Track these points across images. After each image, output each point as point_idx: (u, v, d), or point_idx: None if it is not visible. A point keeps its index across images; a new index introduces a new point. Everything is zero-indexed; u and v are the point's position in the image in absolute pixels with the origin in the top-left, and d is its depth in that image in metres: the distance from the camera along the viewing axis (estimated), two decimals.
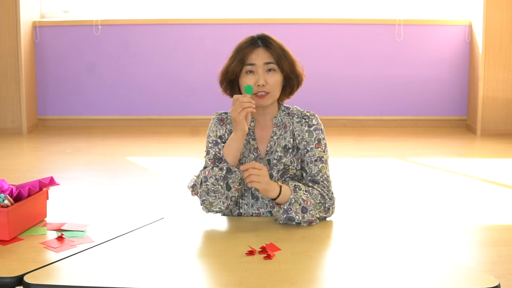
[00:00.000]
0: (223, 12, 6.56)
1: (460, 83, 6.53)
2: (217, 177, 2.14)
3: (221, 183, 2.15)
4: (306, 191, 2.17)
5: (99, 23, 6.45)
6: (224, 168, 2.15)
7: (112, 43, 6.51)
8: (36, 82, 6.56)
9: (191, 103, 6.56)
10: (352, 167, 5.21)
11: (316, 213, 2.16)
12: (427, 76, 6.51)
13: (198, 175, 2.23)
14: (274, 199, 2.14)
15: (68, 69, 6.56)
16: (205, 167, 2.24)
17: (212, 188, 2.15)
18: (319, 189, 2.21)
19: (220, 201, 2.16)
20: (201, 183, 2.18)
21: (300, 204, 2.13)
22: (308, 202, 2.15)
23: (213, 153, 2.22)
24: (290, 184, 2.17)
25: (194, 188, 2.23)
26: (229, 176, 2.15)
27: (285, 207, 2.13)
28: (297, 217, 2.12)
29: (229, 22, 6.45)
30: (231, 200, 2.18)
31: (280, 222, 2.15)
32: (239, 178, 2.16)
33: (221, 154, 2.16)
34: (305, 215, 2.13)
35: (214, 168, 2.16)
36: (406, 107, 6.58)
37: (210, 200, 2.17)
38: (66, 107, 6.63)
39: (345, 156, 5.40)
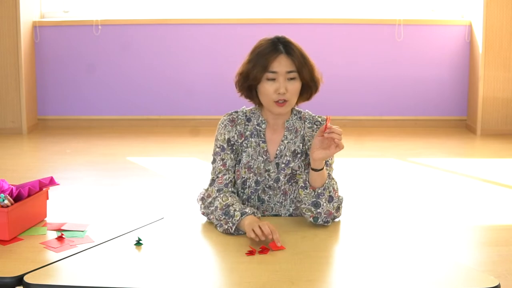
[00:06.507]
0: (223, 12, 6.55)
1: (460, 83, 6.53)
2: (227, 228, 2.13)
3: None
4: (335, 182, 2.20)
5: (99, 23, 6.45)
6: (233, 229, 2.11)
7: (112, 43, 6.51)
8: (36, 82, 6.56)
9: (191, 103, 6.55)
10: (352, 167, 5.20)
11: (335, 207, 2.17)
12: (427, 76, 6.51)
13: (207, 193, 2.24)
14: (316, 170, 2.13)
15: (68, 69, 6.56)
16: (212, 180, 2.25)
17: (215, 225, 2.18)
18: None
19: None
20: (210, 210, 2.20)
21: (330, 192, 2.16)
22: (336, 193, 2.18)
23: (219, 168, 2.23)
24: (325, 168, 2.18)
25: (203, 202, 2.24)
26: (229, 233, 2.13)
27: (319, 191, 2.14)
28: (323, 204, 2.14)
29: (229, 22, 6.44)
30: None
31: (303, 206, 2.15)
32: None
33: (233, 214, 2.11)
34: (329, 205, 2.15)
35: (223, 225, 2.13)
36: (406, 107, 6.58)
37: (218, 228, 2.17)
38: (66, 107, 6.63)
39: (345, 156, 5.39)
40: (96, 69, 6.54)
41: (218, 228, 2.14)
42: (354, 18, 6.46)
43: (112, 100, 6.60)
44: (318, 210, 2.14)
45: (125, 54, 6.52)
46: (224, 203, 2.16)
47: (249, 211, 2.12)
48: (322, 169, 2.13)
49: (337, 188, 2.20)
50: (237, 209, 2.12)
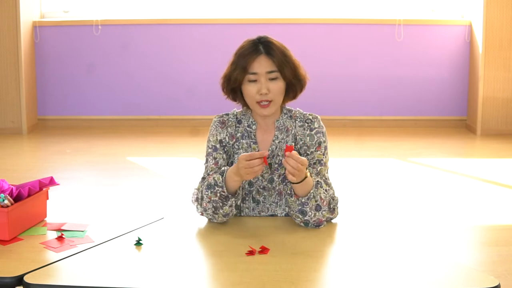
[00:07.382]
0: (223, 12, 6.56)
1: (460, 83, 6.54)
2: (214, 204, 2.13)
3: (219, 207, 2.15)
4: (325, 190, 2.17)
5: (99, 23, 6.45)
6: (218, 194, 2.12)
7: (112, 43, 6.51)
8: (36, 82, 6.56)
9: (191, 103, 6.56)
10: (352, 167, 5.21)
11: (326, 214, 2.15)
12: (427, 76, 6.51)
13: (199, 188, 2.22)
14: (295, 183, 2.10)
15: (68, 69, 6.56)
16: (203, 178, 2.24)
17: (211, 213, 2.16)
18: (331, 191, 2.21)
19: (223, 218, 2.17)
20: (202, 205, 2.18)
21: (316, 201, 2.13)
22: (324, 202, 2.14)
23: (211, 167, 2.23)
24: (313, 178, 2.16)
25: (198, 202, 2.22)
26: (225, 203, 2.13)
27: (303, 200, 2.12)
28: (310, 213, 2.12)
29: (229, 22, 6.45)
30: (232, 213, 2.18)
31: (291, 212, 2.15)
32: (235, 202, 2.16)
33: (215, 180, 2.12)
34: (317, 213, 2.13)
35: (216, 198, 2.12)
36: (406, 107, 6.58)
37: (214, 220, 2.18)
38: (66, 107, 6.63)
39: (345, 156, 5.40)
40: (96, 69, 6.55)
41: (220, 211, 2.13)
42: (354, 18, 6.46)
43: (112, 100, 6.60)
44: (306, 218, 2.13)
45: (125, 54, 6.53)
46: (206, 185, 2.17)
47: (225, 168, 2.14)
48: (298, 182, 2.10)
49: (327, 196, 2.16)
50: (215, 176, 2.14)
